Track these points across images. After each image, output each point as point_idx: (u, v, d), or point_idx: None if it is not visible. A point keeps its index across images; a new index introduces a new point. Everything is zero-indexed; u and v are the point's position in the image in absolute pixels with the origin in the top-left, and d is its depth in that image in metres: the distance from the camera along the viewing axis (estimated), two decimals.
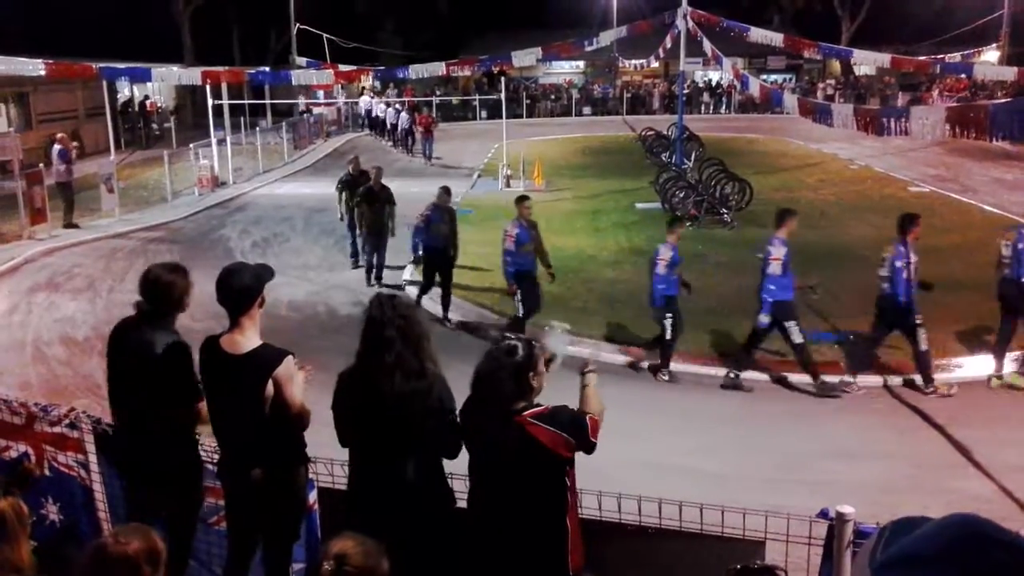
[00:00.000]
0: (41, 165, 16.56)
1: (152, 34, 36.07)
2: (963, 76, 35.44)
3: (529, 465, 3.45)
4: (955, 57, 34.35)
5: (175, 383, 4.09)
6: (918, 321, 8.19)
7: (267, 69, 31.66)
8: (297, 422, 3.93)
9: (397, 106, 31.45)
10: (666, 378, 9.02)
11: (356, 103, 37.99)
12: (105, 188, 17.51)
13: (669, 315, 8.87)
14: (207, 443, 4.33)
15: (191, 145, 22.53)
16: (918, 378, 8.51)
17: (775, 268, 8.27)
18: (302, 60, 33.90)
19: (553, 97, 46.16)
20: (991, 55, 37.75)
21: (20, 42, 25.44)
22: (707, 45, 21.96)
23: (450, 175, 24.45)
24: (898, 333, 8.61)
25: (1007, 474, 6.70)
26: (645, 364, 9.19)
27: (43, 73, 19.46)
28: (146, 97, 37.47)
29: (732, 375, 8.74)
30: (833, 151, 27.43)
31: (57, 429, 4.71)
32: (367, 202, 12.47)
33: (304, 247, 15.57)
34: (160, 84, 35.63)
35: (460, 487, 3.85)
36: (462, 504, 3.84)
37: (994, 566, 0.99)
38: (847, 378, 8.56)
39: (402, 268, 13.06)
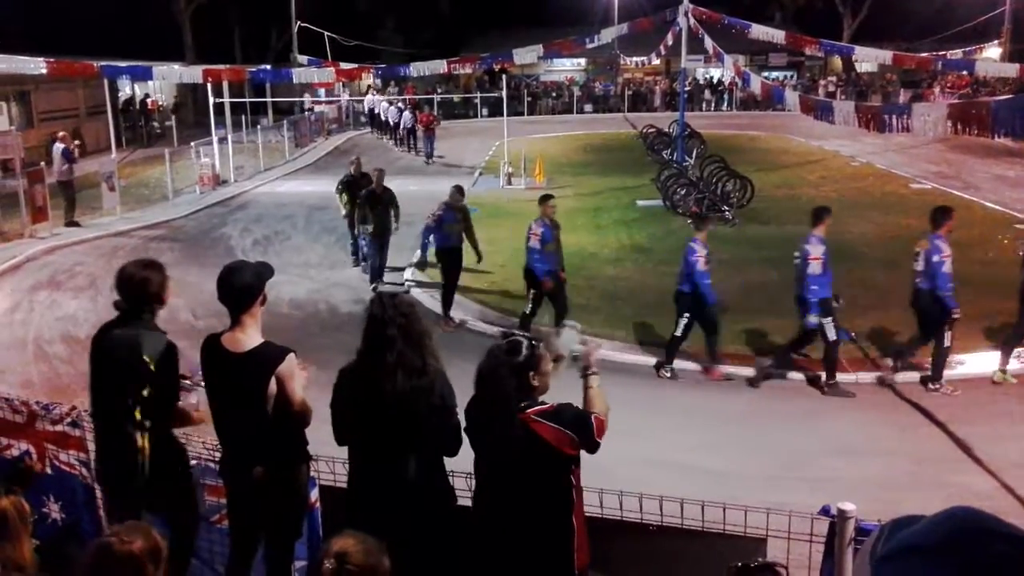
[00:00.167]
0: (43, 164, 16.58)
1: (153, 32, 36.08)
2: (965, 73, 35.40)
3: (534, 463, 3.45)
4: (957, 54, 34.34)
5: (159, 380, 4.04)
6: (956, 315, 8.19)
7: (268, 67, 31.70)
8: (299, 420, 3.94)
9: (400, 104, 31.42)
10: (668, 375, 9.02)
11: (361, 101, 38.00)
12: (106, 186, 17.52)
13: (689, 315, 8.84)
14: (208, 441, 4.33)
15: (192, 143, 22.53)
16: (910, 375, 8.50)
17: (815, 267, 8.26)
18: (303, 58, 33.91)
19: (554, 95, 46.11)
20: (993, 52, 37.72)
21: (21, 41, 25.45)
22: (708, 42, 21.93)
23: (451, 173, 24.46)
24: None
25: (1008, 470, 6.71)
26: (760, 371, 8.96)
27: (44, 71, 19.45)
28: (147, 95, 37.48)
29: (762, 371, 8.70)
30: (835, 148, 27.41)
31: (59, 428, 4.72)
32: (369, 206, 12.22)
33: (305, 245, 15.57)
34: (161, 82, 35.62)
35: (461, 485, 3.85)
36: (463, 502, 3.84)
37: (993, 557, 1.00)
38: (887, 376, 8.58)
39: (402, 270, 13.02)
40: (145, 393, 4.00)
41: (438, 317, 10.57)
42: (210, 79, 22.66)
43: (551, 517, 3.49)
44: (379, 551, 2.54)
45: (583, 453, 3.51)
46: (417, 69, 23.21)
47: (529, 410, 3.44)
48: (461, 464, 3.83)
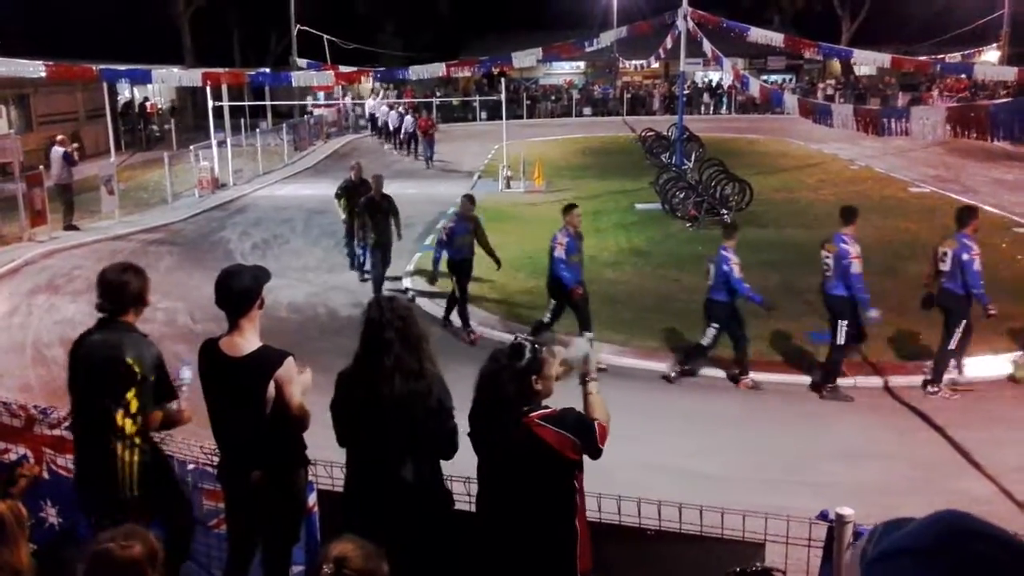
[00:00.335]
0: (41, 167, 16.57)
1: (152, 36, 36.12)
2: (963, 76, 35.43)
3: (536, 466, 3.44)
4: (955, 57, 34.38)
5: (147, 381, 4.00)
6: (992, 312, 8.24)
7: (267, 70, 31.70)
8: (298, 424, 3.93)
9: (401, 109, 31.42)
10: (673, 376, 8.97)
11: (362, 104, 38.02)
12: (105, 190, 17.52)
13: (719, 324, 8.73)
14: (206, 445, 4.32)
15: (191, 147, 22.53)
16: (911, 379, 8.51)
17: (857, 267, 8.24)
18: (302, 61, 33.90)
19: (553, 98, 46.16)
20: (991, 55, 37.76)
21: (20, 44, 25.45)
22: (707, 46, 21.96)
23: (450, 177, 24.48)
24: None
25: (1006, 475, 6.71)
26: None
27: (43, 75, 19.48)
28: (145, 99, 37.50)
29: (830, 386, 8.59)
30: (833, 151, 27.44)
31: (56, 432, 4.71)
32: (369, 214, 11.91)
33: (304, 249, 15.57)
34: (160, 86, 35.64)
35: (459, 489, 3.84)
36: (460, 506, 3.84)
37: (980, 558, 1.02)
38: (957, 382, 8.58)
39: (399, 279, 12.88)
40: (131, 396, 3.97)
41: (446, 326, 10.53)
42: (209, 82, 22.68)
43: (554, 521, 3.48)
44: (378, 556, 2.54)
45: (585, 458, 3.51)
46: (416, 72, 23.27)
47: (532, 414, 3.43)
48: (458, 468, 3.83)
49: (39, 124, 26.29)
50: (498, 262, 10.75)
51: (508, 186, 21.37)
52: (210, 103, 22.70)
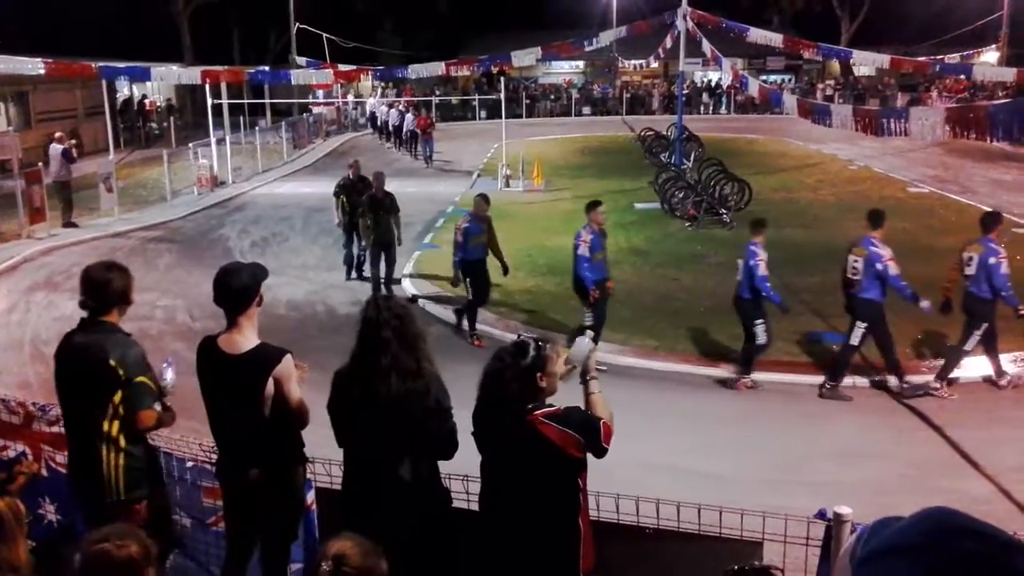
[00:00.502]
0: (40, 164, 16.56)
1: (151, 33, 36.06)
2: (962, 77, 35.47)
3: (540, 464, 3.43)
4: (954, 58, 34.41)
5: (130, 383, 3.97)
6: (1022, 312, 8.26)
7: (266, 68, 31.69)
8: (297, 421, 3.93)
9: (401, 108, 31.42)
10: (749, 385, 8.80)
11: (363, 102, 37.98)
12: (104, 187, 17.51)
13: (762, 319, 8.66)
14: (205, 443, 4.32)
15: (190, 144, 22.53)
16: (917, 377, 8.51)
17: (894, 268, 8.23)
18: (301, 60, 33.89)
19: (552, 97, 46.17)
20: (990, 56, 37.78)
21: (20, 41, 25.44)
22: (706, 45, 21.98)
23: (449, 175, 24.48)
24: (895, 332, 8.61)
25: (1005, 474, 6.71)
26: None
27: (42, 72, 19.45)
28: (144, 96, 37.47)
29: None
30: (832, 152, 27.45)
31: (55, 429, 4.71)
32: (372, 212, 11.72)
33: (303, 247, 15.56)
34: (159, 83, 35.63)
35: (457, 488, 3.84)
36: (458, 504, 3.83)
37: (967, 554, 1.02)
38: (934, 384, 8.57)
39: (398, 282, 12.78)
40: (116, 399, 3.95)
41: (455, 329, 10.52)
42: (208, 80, 22.66)
43: (557, 520, 3.47)
44: (376, 553, 2.54)
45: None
46: (415, 71, 23.26)
47: (536, 412, 3.42)
48: (457, 466, 3.83)
49: (38, 121, 26.27)
50: (506, 268, 10.58)
51: (507, 185, 21.38)
52: (209, 101, 22.68)
